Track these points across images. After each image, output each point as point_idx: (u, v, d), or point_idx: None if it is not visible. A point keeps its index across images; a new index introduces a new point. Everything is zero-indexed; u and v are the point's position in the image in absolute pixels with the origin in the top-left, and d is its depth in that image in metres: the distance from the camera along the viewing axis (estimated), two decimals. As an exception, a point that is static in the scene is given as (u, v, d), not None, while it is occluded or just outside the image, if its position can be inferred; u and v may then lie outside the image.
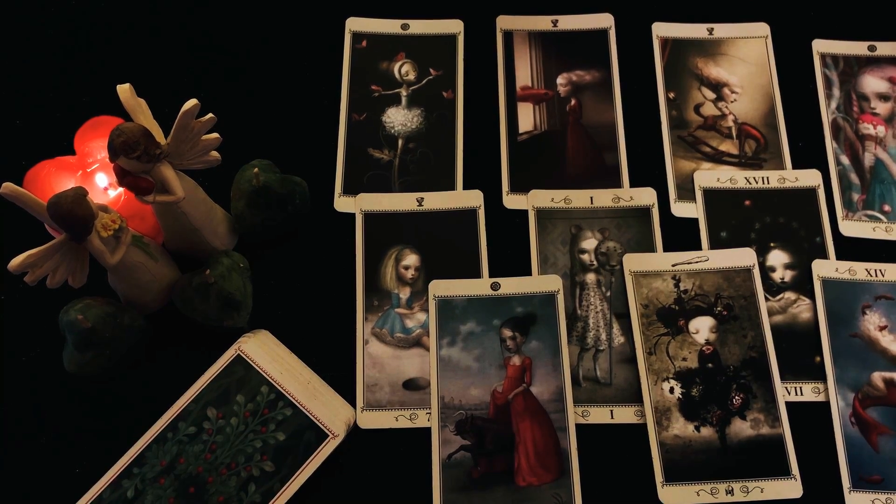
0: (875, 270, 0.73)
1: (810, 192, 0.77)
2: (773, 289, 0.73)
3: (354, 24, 0.84)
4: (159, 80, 0.81)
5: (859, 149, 0.79)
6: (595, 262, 0.74)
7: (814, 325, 0.72)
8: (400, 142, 0.79)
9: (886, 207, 0.77)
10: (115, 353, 0.67)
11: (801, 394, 0.70)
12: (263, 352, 0.68)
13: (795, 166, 0.78)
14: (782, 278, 0.74)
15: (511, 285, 0.72)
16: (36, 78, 0.82)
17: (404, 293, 0.73)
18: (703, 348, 0.70)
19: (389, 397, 0.69)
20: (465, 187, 0.77)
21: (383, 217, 0.76)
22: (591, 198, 0.76)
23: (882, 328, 0.71)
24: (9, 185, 0.58)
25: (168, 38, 0.84)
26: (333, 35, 0.84)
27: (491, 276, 0.73)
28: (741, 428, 0.68)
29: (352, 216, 0.76)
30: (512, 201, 0.77)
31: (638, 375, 0.70)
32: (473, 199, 0.76)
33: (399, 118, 0.80)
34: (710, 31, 0.84)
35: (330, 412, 0.66)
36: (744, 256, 0.73)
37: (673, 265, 0.73)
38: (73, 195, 0.58)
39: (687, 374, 0.69)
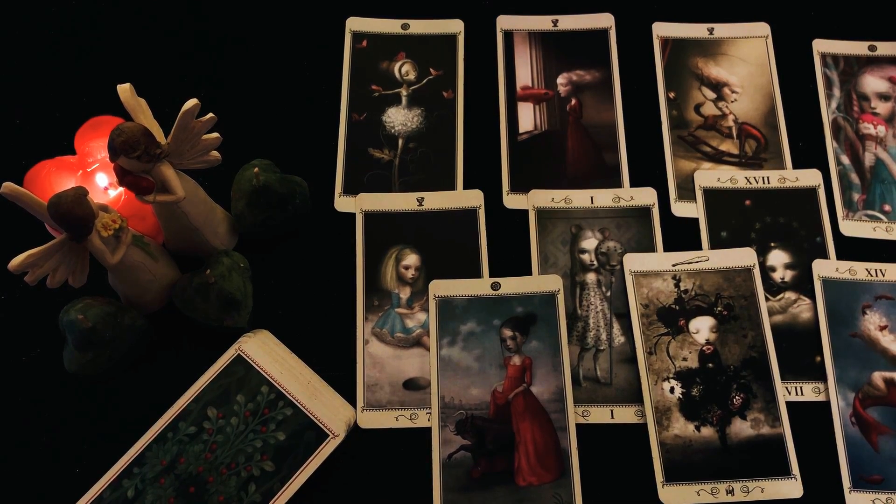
0: (875, 270, 0.73)
1: (810, 192, 0.77)
2: (773, 289, 0.73)
3: (354, 24, 0.84)
4: (159, 80, 0.81)
5: (860, 148, 0.79)
6: (595, 262, 0.74)
7: (814, 324, 0.72)
8: (400, 142, 0.79)
9: (887, 207, 0.77)
10: (116, 353, 0.67)
11: (802, 394, 0.70)
12: (263, 352, 0.68)
13: (796, 166, 0.78)
14: (782, 278, 0.74)
15: (511, 285, 0.72)
16: (36, 78, 0.82)
17: (404, 293, 0.73)
18: (704, 348, 0.70)
19: (389, 397, 0.69)
20: (465, 187, 0.77)
21: (383, 217, 0.76)
22: (592, 198, 0.76)
23: (882, 328, 0.71)
24: (9, 185, 0.58)
25: (168, 37, 0.84)
26: (333, 35, 0.84)
27: (491, 275, 0.73)
28: (741, 428, 0.68)
29: (352, 216, 0.76)
30: (512, 201, 0.77)
31: (638, 375, 0.70)
32: (473, 199, 0.76)
33: (399, 118, 0.80)
34: (711, 30, 0.84)
35: (330, 412, 0.66)
36: (744, 256, 0.73)
37: (673, 265, 0.73)
38: (73, 195, 0.58)
39: (687, 373, 0.69)
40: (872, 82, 0.82)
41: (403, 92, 0.81)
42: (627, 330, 0.71)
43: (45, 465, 0.67)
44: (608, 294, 0.73)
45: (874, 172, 0.78)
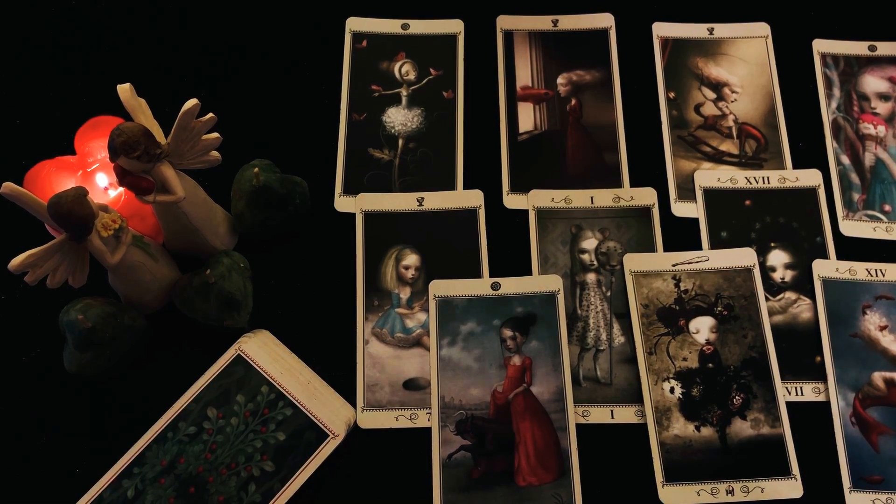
0: (875, 270, 0.73)
1: (810, 192, 0.77)
2: (773, 289, 0.73)
3: (354, 24, 0.84)
4: (159, 80, 0.81)
5: (860, 149, 0.79)
6: (595, 262, 0.74)
7: (814, 325, 0.72)
8: (400, 142, 0.79)
9: (887, 207, 0.77)
10: (115, 353, 0.67)
11: (802, 394, 0.70)
12: (263, 352, 0.68)
13: (796, 166, 0.78)
14: (782, 278, 0.74)
15: (511, 285, 0.72)
16: (36, 78, 0.82)
17: (404, 293, 0.73)
18: (704, 348, 0.70)
19: (389, 397, 0.69)
20: (465, 187, 0.77)
21: (383, 217, 0.76)
22: (592, 198, 0.76)
23: (882, 328, 0.71)
24: (9, 185, 0.58)
25: (168, 38, 0.84)
26: (333, 35, 0.84)
27: (491, 276, 0.73)
28: (741, 428, 0.68)
29: (352, 216, 0.76)
30: (512, 201, 0.77)
31: (638, 375, 0.70)
32: (473, 199, 0.76)
33: (399, 118, 0.80)
34: (711, 30, 0.84)
35: (330, 412, 0.66)
36: (744, 256, 0.73)
37: (673, 265, 0.73)
38: (73, 195, 0.58)
39: (687, 374, 0.69)
40: (872, 82, 0.82)
41: (403, 92, 0.81)
42: (627, 330, 0.71)
43: (45, 465, 0.67)
44: (608, 294, 0.73)
45: (874, 172, 0.78)
